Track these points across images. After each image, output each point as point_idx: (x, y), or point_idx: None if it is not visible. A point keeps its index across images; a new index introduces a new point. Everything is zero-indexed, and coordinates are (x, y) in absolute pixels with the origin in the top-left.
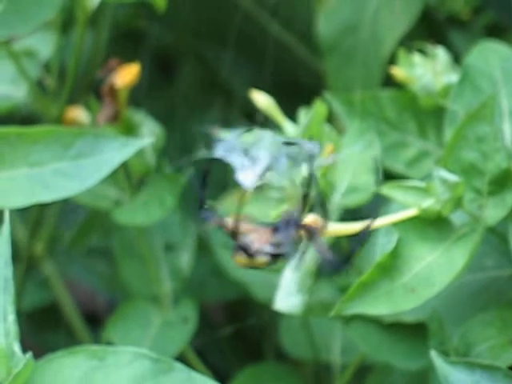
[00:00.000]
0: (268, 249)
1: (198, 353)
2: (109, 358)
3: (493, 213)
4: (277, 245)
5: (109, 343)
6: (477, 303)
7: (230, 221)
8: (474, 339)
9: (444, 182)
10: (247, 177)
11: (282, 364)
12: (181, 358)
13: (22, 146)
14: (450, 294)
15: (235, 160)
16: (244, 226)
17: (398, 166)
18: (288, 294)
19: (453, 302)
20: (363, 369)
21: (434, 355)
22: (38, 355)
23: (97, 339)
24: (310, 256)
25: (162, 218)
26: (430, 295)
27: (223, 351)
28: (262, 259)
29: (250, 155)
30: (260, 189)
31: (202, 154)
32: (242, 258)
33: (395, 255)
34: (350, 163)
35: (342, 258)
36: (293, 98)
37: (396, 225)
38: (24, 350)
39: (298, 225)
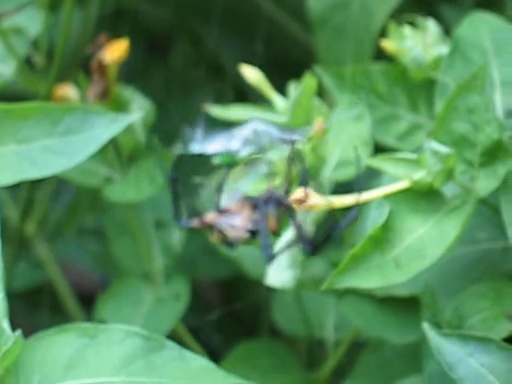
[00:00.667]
0: (247, 226)
1: (191, 331)
2: (100, 336)
3: (484, 184)
4: (255, 222)
5: (101, 321)
6: (470, 276)
7: (208, 216)
8: (466, 311)
9: (435, 153)
10: (214, 146)
11: (276, 340)
12: (173, 335)
13: (10, 123)
14: (443, 267)
15: (217, 147)
16: (226, 209)
17: (389, 140)
18: (280, 269)
19: (445, 275)
20: (357, 345)
21: (426, 328)
22: (30, 335)
23: (90, 319)
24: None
25: (152, 194)
26: (421, 268)
27: (217, 329)
28: (241, 236)
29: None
30: (250, 164)
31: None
32: (218, 236)
33: (387, 228)
34: (341, 137)
35: (321, 237)
36: (284, 74)
37: (387, 197)
38: (15, 329)
39: (278, 203)
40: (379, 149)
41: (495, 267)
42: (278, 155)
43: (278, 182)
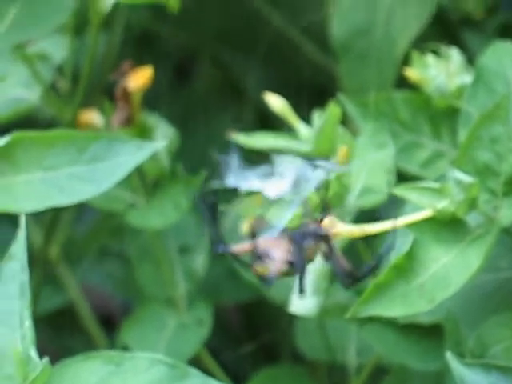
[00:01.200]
0: (286, 258)
1: (213, 355)
2: (126, 364)
3: (508, 213)
4: (292, 254)
5: (124, 347)
6: (490, 304)
7: (246, 244)
8: (489, 340)
9: (458, 182)
10: (273, 189)
11: (298, 366)
12: (196, 361)
13: (37, 150)
14: (465, 295)
15: (252, 183)
16: (260, 241)
17: (412, 168)
18: (303, 296)
19: (467, 303)
20: (379, 370)
21: (449, 357)
22: (54, 359)
23: (112, 343)
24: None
25: (177, 221)
26: (445, 296)
27: (239, 354)
28: (280, 268)
29: (274, 172)
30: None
31: (214, 184)
32: (260, 268)
33: (410, 256)
34: (365, 164)
35: (363, 269)
36: (308, 101)
37: (411, 226)
38: (40, 354)
39: (316, 236)
40: (402, 177)
41: None
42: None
43: (301, 210)
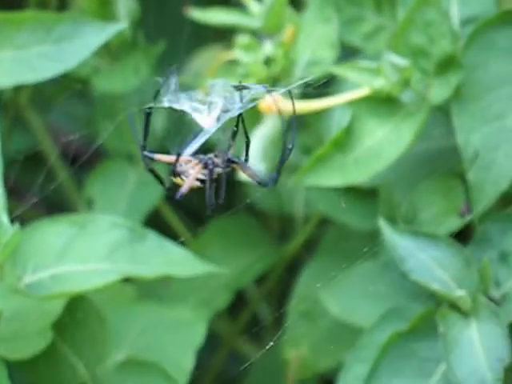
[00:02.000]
0: (195, 175)
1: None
2: (88, 226)
3: (438, 92)
4: (205, 174)
5: (89, 200)
6: (423, 171)
7: (167, 157)
8: (419, 205)
9: (393, 65)
10: (206, 121)
11: (249, 216)
12: (157, 212)
13: (8, 31)
14: (399, 163)
15: (184, 107)
16: (181, 159)
17: (355, 40)
18: (253, 162)
19: (401, 171)
20: (324, 222)
21: (382, 223)
22: (22, 198)
23: (77, 179)
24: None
25: (136, 85)
26: (378, 168)
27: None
28: (193, 184)
29: (205, 101)
30: (227, 65)
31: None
32: (178, 180)
33: (348, 131)
34: (310, 39)
35: (271, 175)
36: None
37: (350, 103)
38: (12, 193)
39: (227, 161)
40: (345, 48)
41: (447, 165)
42: (252, 58)
43: (251, 82)
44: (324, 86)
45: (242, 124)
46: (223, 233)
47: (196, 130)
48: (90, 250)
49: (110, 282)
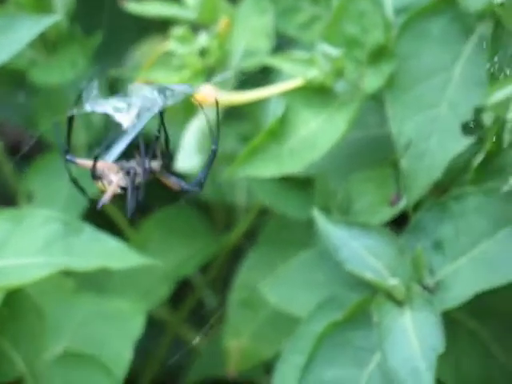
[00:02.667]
0: (116, 183)
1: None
2: (24, 221)
3: (372, 81)
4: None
5: (29, 193)
6: (359, 160)
7: (89, 162)
8: (354, 194)
9: (326, 55)
10: (125, 118)
11: (190, 207)
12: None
13: None
14: (335, 152)
15: (105, 109)
16: (101, 165)
17: (291, 30)
18: (188, 155)
19: (337, 159)
20: (265, 212)
21: (316, 214)
22: None
23: (20, 172)
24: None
25: (73, 78)
26: (313, 158)
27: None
28: (115, 190)
29: (125, 101)
30: (165, 57)
31: (71, 110)
32: (100, 185)
33: (283, 121)
34: (246, 30)
35: (196, 180)
36: None
37: (284, 94)
38: None
39: (147, 170)
40: (281, 39)
41: (381, 153)
42: (187, 50)
43: (187, 74)
44: (260, 76)
45: (163, 126)
46: (165, 224)
47: (119, 134)
48: (25, 244)
49: (46, 275)
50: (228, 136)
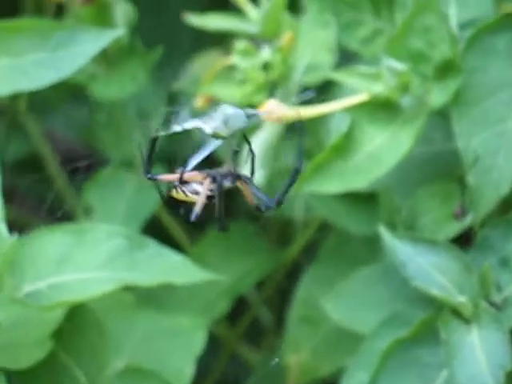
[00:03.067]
0: (205, 192)
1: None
2: (86, 236)
3: (438, 97)
4: (212, 191)
5: (88, 208)
6: (424, 175)
7: (172, 175)
8: (419, 211)
9: (392, 70)
10: (207, 126)
11: (248, 222)
12: (156, 219)
13: (4, 38)
14: (400, 167)
15: (195, 124)
16: (187, 175)
17: (353, 44)
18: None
19: (402, 174)
20: (324, 226)
21: (382, 229)
22: (20, 203)
23: (75, 185)
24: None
25: (134, 91)
26: (378, 174)
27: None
28: (203, 202)
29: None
30: (225, 71)
31: (155, 129)
32: (179, 195)
33: (348, 137)
34: (309, 44)
35: (276, 198)
36: None
37: (349, 109)
38: (10, 199)
39: (234, 177)
40: (343, 53)
41: (447, 168)
42: (249, 64)
43: (249, 88)
44: (323, 90)
45: (246, 139)
46: (222, 239)
47: (200, 146)
48: (88, 259)
49: (110, 290)
50: (289, 150)
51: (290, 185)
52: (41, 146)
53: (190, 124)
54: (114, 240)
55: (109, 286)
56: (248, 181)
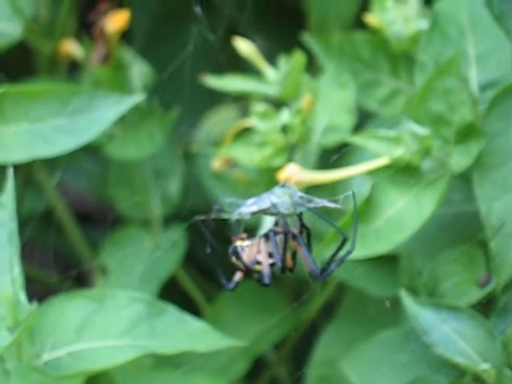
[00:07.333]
0: (266, 259)
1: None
2: (107, 302)
3: (459, 160)
4: (270, 254)
5: (104, 268)
6: (445, 237)
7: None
8: (441, 275)
9: (413, 134)
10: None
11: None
12: (173, 279)
13: (24, 103)
14: (420, 229)
15: (265, 204)
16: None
17: (371, 104)
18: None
19: (422, 236)
20: (342, 287)
21: (403, 295)
22: (39, 261)
23: (88, 238)
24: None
25: (151, 152)
26: (400, 239)
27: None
28: (260, 268)
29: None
30: (244, 134)
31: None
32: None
33: (369, 202)
34: (328, 104)
35: (323, 267)
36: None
37: (369, 173)
38: (27, 255)
39: (286, 233)
40: (362, 113)
41: (468, 230)
42: (269, 126)
43: (269, 151)
44: (342, 150)
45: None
46: (239, 297)
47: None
48: (109, 326)
49: (131, 358)
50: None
51: (341, 261)
52: (54, 200)
53: (262, 203)
54: (135, 306)
55: (130, 355)
56: (301, 241)
